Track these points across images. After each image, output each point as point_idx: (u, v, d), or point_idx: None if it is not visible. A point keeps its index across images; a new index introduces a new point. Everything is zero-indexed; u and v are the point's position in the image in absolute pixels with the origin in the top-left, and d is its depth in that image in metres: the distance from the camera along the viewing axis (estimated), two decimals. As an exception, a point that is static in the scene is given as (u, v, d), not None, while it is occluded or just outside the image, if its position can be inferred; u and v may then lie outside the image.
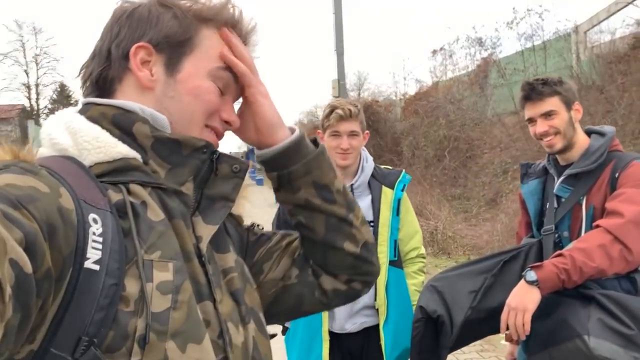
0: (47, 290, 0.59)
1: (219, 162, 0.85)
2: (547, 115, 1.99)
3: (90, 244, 0.65)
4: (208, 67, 0.85)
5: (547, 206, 2.08)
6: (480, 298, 1.90)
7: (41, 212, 0.59)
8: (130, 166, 0.77)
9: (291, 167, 0.93)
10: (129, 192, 0.75)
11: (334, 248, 0.97)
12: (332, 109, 2.23)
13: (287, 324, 2.31)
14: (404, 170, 2.36)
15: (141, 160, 0.79)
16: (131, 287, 0.67)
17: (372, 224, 2.24)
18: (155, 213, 0.75)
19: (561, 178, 2.02)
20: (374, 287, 2.23)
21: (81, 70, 0.87)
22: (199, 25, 0.85)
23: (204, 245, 0.82)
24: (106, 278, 0.65)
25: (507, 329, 1.75)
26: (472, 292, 1.92)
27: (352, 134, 2.21)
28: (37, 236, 0.57)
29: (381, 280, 2.21)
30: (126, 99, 0.83)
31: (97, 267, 0.65)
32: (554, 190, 2.03)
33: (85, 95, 0.87)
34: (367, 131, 2.30)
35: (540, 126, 2.00)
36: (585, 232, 1.92)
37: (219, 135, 0.90)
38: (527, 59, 12.96)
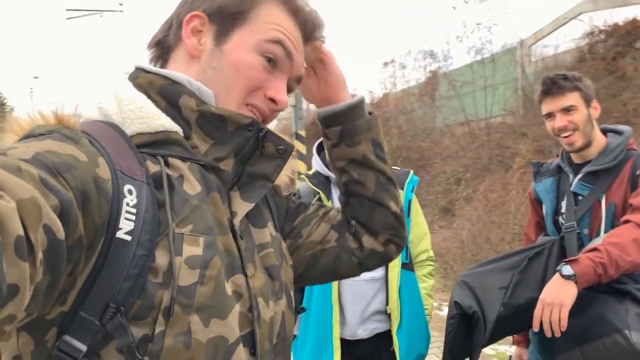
0: (78, 257, 0.60)
1: (265, 140, 0.84)
2: (567, 110, 1.98)
3: (124, 214, 0.66)
4: (256, 40, 0.82)
5: (563, 204, 2.06)
6: (509, 294, 1.85)
7: (77, 180, 0.60)
8: (170, 139, 0.77)
9: (357, 121, 1.00)
10: (168, 164, 0.76)
11: (381, 205, 1.03)
12: None
13: (294, 331, 2.18)
14: (411, 171, 2.30)
15: (182, 134, 0.79)
16: (161, 259, 0.68)
17: None
18: (191, 186, 0.76)
19: (579, 175, 2.00)
20: (385, 290, 2.14)
21: (152, 39, 0.89)
22: None
23: (237, 221, 0.82)
24: (137, 249, 0.66)
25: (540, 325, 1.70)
26: (502, 288, 1.87)
27: None
28: (72, 204, 0.58)
29: (393, 284, 2.12)
30: (176, 67, 0.84)
31: (128, 238, 0.66)
32: (572, 188, 2.02)
33: (150, 60, 0.89)
34: None
35: (560, 121, 1.99)
36: (605, 229, 1.91)
37: (264, 115, 0.86)
38: (476, 71, 13.33)
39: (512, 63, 13.26)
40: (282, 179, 0.98)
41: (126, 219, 0.66)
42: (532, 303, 1.81)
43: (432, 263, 2.31)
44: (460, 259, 7.09)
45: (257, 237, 0.87)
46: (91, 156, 0.65)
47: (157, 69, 0.83)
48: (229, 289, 0.74)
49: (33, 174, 0.55)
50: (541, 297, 1.69)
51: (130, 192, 0.68)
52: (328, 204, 2.12)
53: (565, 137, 2.00)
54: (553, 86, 1.99)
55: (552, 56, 12.28)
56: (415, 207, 2.26)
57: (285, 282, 0.90)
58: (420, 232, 2.27)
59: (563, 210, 2.05)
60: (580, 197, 2.00)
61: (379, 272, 2.15)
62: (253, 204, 0.84)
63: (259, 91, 0.84)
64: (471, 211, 7.74)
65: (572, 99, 1.98)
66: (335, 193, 2.17)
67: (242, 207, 0.83)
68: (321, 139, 2.33)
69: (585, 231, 1.95)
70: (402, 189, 2.20)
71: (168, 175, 0.74)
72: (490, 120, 12.81)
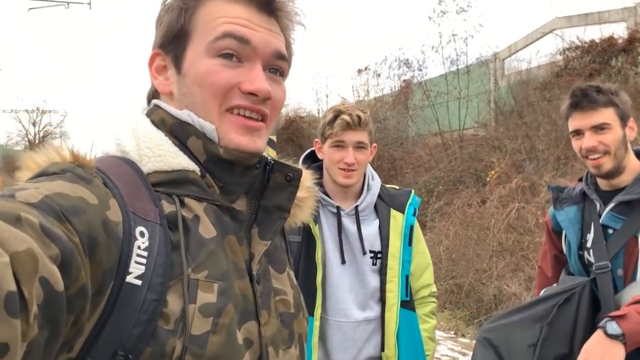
0: (81, 306, 0.58)
1: (272, 172, 0.83)
2: (599, 128, 1.70)
3: (134, 258, 0.65)
4: (204, 45, 0.77)
5: (589, 237, 1.77)
6: (538, 354, 1.54)
7: (84, 225, 0.59)
8: (188, 179, 0.76)
9: None
10: (183, 204, 0.74)
11: None
12: (336, 115, 1.80)
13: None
14: (412, 190, 1.98)
15: (199, 173, 0.78)
16: (174, 304, 0.66)
17: (379, 255, 1.83)
18: (207, 229, 0.74)
19: (610, 205, 1.72)
20: (380, 333, 1.82)
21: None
22: (194, 3, 0.79)
23: (255, 264, 0.80)
24: (147, 293, 0.64)
25: None
26: (531, 345, 1.56)
27: (360, 146, 1.80)
28: (73, 253, 0.56)
29: (391, 325, 1.79)
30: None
31: (139, 282, 0.64)
32: (601, 220, 1.73)
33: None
34: (374, 144, 1.90)
35: (589, 140, 1.70)
36: (643, 269, 1.63)
37: (257, 111, 0.79)
38: (451, 82, 13.24)
39: (486, 75, 13.24)
40: (305, 215, 0.94)
41: (137, 262, 0.65)
42: None
43: (434, 300, 1.99)
44: (435, 276, 6.82)
45: (275, 280, 0.84)
46: (102, 198, 0.65)
47: (167, 107, 0.81)
48: (240, 336, 0.73)
49: (33, 222, 0.54)
50: (581, 358, 1.38)
51: (142, 234, 0.67)
52: (315, 229, 1.78)
53: (593, 159, 1.71)
54: (584, 99, 1.71)
55: (526, 70, 12.29)
56: (418, 234, 1.94)
57: (299, 333, 0.87)
58: (422, 264, 1.95)
59: (589, 244, 1.76)
60: (610, 231, 1.72)
61: (374, 312, 1.82)
62: (269, 242, 0.82)
63: (234, 90, 0.77)
64: (447, 226, 7.50)
65: (606, 115, 1.70)
66: (325, 215, 1.83)
67: (259, 248, 0.81)
68: (311, 149, 2.00)
69: (619, 272, 1.66)
70: (403, 212, 1.88)
71: (183, 217, 0.72)
72: (463, 131, 12.73)
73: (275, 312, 0.81)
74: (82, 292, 0.57)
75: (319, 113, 20.31)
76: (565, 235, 1.87)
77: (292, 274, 0.92)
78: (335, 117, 1.79)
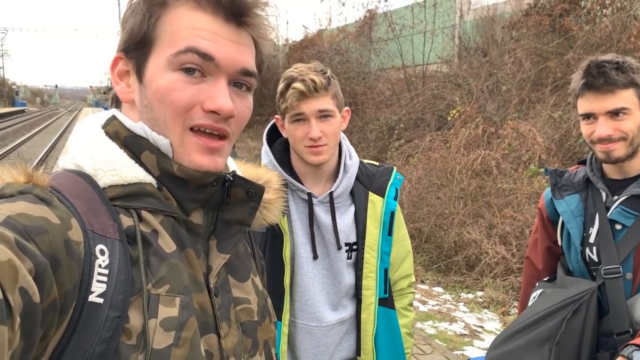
0: (51, 321, 0.59)
1: (233, 187, 0.81)
2: (615, 114, 1.45)
3: (96, 277, 0.65)
4: (165, 57, 0.73)
5: (592, 231, 1.57)
6: None
7: (47, 245, 0.59)
8: (144, 192, 0.74)
9: None
10: (141, 218, 0.73)
11: None
12: (288, 83, 1.49)
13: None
14: (394, 168, 1.71)
15: (156, 185, 0.76)
16: (135, 319, 0.67)
17: (354, 247, 1.58)
18: (167, 243, 0.73)
19: (621, 198, 1.51)
20: (354, 335, 1.61)
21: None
22: (159, 9, 0.74)
23: (212, 277, 0.79)
24: (109, 311, 0.65)
25: None
26: None
27: (324, 115, 1.50)
28: (46, 267, 0.57)
29: (368, 328, 1.58)
30: (125, 115, 0.79)
31: (100, 300, 0.64)
32: (610, 214, 1.52)
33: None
34: (346, 108, 1.60)
35: (604, 127, 1.46)
36: (654, 274, 1.45)
37: (219, 130, 0.75)
38: (417, 15, 12.79)
39: (452, 9, 12.83)
40: (273, 216, 0.92)
41: (98, 281, 0.64)
42: None
43: (413, 291, 1.77)
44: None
45: (235, 290, 0.83)
46: (64, 218, 0.64)
47: (122, 118, 0.79)
48: (202, 348, 0.73)
49: (9, 237, 0.55)
50: None
51: (102, 252, 0.66)
52: (284, 223, 1.51)
53: (604, 145, 1.48)
54: (600, 78, 1.45)
55: (493, 5, 11.93)
56: (399, 219, 1.69)
57: (264, 340, 0.86)
58: (402, 252, 1.72)
59: (592, 239, 1.56)
60: (618, 226, 1.52)
61: (348, 311, 1.60)
62: (228, 255, 0.81)
63: (196, 108, 0.74)
64: (411, 170, 7.35)
65: (625, 98, 1.45)
66: (295, 203, 1.56)
67: (217, 261, 0.80)
68: (272, 122, 1.69)
69: (628, 276, 1.48)
70: (383, 195, 1.61)
71: (142, 232, 0.72)
72: (426, 67, 12.46)
73: (236, 323, 0.81)
74: (53, 306, 0.58)
75: (278, 41, 19.51)
76: (564, 227, 1.66)
77: (257, 280, 0.89)
78: (287, 87, 1.49)
